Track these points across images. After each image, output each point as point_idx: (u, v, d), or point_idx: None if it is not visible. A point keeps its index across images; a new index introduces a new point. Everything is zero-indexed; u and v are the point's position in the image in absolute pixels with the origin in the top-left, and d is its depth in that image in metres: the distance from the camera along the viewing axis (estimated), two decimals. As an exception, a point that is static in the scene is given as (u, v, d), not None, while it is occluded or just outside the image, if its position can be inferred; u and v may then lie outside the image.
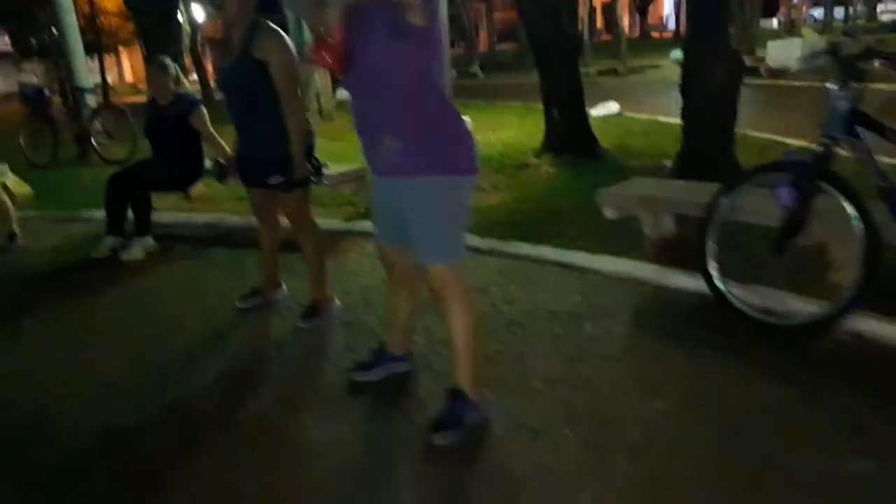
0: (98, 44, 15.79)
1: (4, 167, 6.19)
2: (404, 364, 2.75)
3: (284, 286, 3.69)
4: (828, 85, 2.55)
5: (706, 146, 4.74)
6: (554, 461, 2.13)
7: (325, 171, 3.30)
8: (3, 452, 2.48)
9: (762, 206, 2.80)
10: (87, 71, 9.16)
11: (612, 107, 9.60)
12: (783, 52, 13.60)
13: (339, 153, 6.98)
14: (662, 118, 8.52)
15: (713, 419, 2.30)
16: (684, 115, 4.98)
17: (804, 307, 2.77)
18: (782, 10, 28.35)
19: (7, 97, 14.28)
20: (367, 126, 2.23)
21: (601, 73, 17.37)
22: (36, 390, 2.93)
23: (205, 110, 4.69)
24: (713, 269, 2.89)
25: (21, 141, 8.99)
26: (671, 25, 40.07)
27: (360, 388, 2.69)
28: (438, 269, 2.25)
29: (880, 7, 31.26)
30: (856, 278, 2.48)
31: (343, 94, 13.46)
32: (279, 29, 3.05)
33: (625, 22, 43.18)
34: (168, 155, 4.79)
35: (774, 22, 30.17)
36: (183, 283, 4.23)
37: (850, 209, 2.49)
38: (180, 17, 17.35)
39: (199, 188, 5.31)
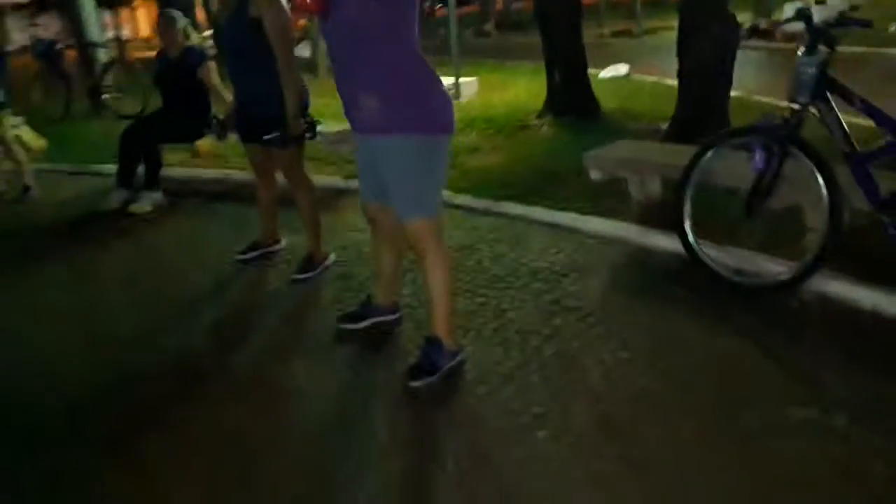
0: (112, -2, 15.74)
1: (19, 120, 6.36)
2: (391, 315, 2.90)
3: (283, 240, 3.85)
4: (798, 51, 2.62)
5: (699, 109, 4.78)
6: (519, 404, 2.29)
7: (319, 128, 3.41)
8: (14, 387, 2.69)
9: (738, 168, 2.89)
10: (98, 26, 9.24)
11: (620, 69, 9.54)
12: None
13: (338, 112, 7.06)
14: (670, 80, 8.41)
15: (672, 371, 2.44)
16: (679, 77, 5.01)
17: (774, 268, 2.88)
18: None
19: (24, 49, 14.39)
20: (344, 82, 2.34)
21: (615, 34, 17.10)
22: (46, 330, 3.14)
23: (213, 64, 4.78)
24: (688, 229, 3.00)
25: (34, 95, 9.16)
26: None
27: (347, 337, 2.85)
28: (416, 223, 2.39)
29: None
30: (820, 241, 2.59)
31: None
32: None
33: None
34: (177, 106, 4.90)
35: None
36: (188, 236, 4.41)
37: (816, 173, 2.57)
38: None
39: (206, 143, 5.45)
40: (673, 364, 2.48)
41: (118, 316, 3.25)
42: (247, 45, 3.14)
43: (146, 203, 4.84)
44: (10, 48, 11.02)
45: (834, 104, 2.57)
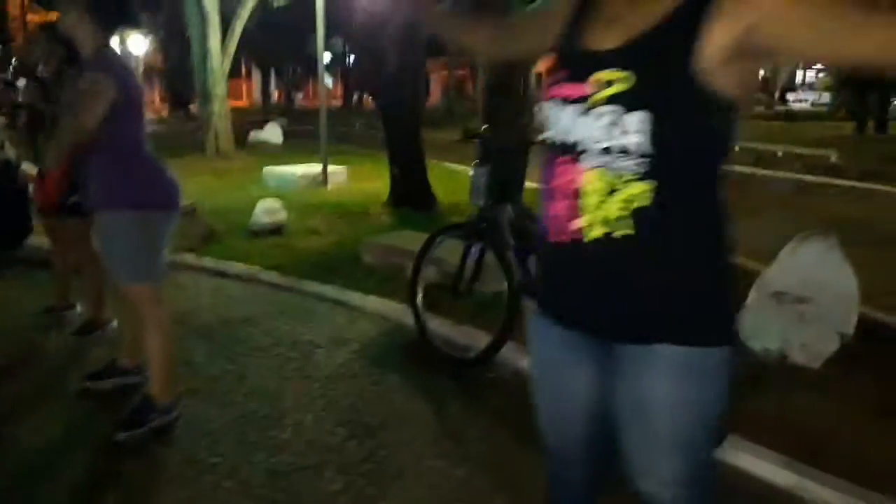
0: None
1: None
2: (135, 376, 3.13)
3: (78, 307, 4.04)
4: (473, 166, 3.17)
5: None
6: (205, 454, 2.56)
7: None
8: None
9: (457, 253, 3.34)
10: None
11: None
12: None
13: (197, 189, 7.44)
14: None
15: (359, 425, 2.76)
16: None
17: (477, 341, 3.30)
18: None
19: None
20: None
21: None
22: None
23: None
24: (419, 304, 3.40)
25: None
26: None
27: (89, 395, 3.06)
28: (131, 289, 2.68)
29: (791, 95, 33.03)
30: (502, 319, 3.02)
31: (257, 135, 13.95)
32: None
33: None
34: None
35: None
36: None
37: (498, 263, 3.04)
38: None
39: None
40: (361, 420, 2.81)
41: None
42: None
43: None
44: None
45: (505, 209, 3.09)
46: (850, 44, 1.02)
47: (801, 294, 3.40)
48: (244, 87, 47.34)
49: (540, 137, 1.32)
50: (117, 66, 2.51)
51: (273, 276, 4.73)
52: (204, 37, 11.46)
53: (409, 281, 3.48)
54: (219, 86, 11.76)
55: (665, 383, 1.20)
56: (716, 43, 1.08)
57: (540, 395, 1.45)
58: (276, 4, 14.58)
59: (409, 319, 3.84)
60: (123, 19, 2.68)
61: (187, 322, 3.95)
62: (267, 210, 6.13)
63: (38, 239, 5.43)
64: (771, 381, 3.08)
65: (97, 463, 2.58)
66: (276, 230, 6.11)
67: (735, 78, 1.11)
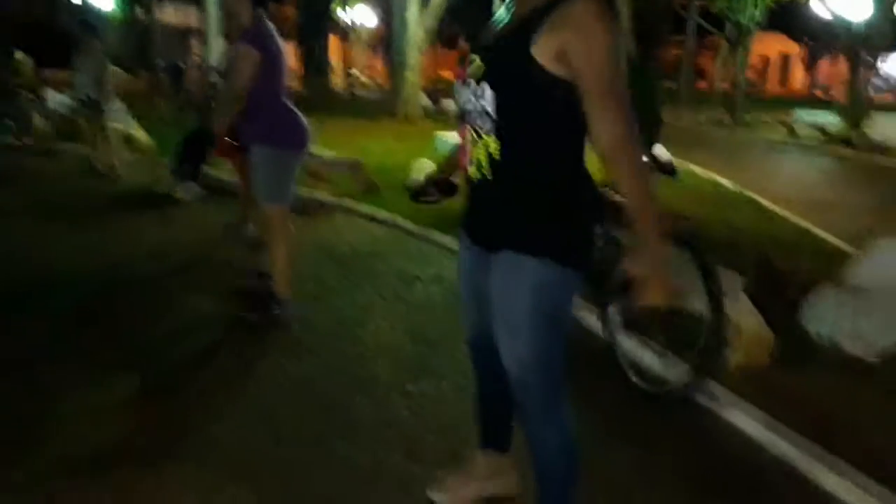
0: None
1: (130, 120, 8.24)
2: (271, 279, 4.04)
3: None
4: None
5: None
6: (304, 337, 3.37)
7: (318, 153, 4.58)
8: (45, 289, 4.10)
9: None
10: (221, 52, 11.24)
11: (658, 150, 10.20)
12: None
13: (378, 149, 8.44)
14: (699, 170, 8.93)
15: (420, 336, 3.41)
16: None
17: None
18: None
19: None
20: None
21: (714, 122, 17.61)
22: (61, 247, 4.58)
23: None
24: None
25: (159, 103, 11.33)
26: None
27: (238, 287, 4.03)
28: (265, 208, 3.54)
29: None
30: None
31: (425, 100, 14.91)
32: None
33: (796, 77, 42.14)
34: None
35: None
36: (198, 214, 5.82)
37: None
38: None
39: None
40: (421, 333, 3.45)
41: (114, 253, 4.65)
42: None
43: (186, 191, 6.34)
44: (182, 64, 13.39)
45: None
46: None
47: (868, 288, 3.44)
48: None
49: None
50: (263, 36, 3.32)
51: (408, 224, 5.51)
52: (403, 8, 12.58)
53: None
54: (412, 55, 12.84)
55: (502, 279, 1.70)
56: (543, 44, 1.52)
57: (462, 293, 1.97)
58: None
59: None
60: None
61: (328, 250, 4.86)
62: (419, 169, 6.94)
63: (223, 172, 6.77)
64: (815, 364, 3.22)
65: (231, 332, 3.49)
66: (427, 188, 6.89)
67: (574, 72, 1.54)
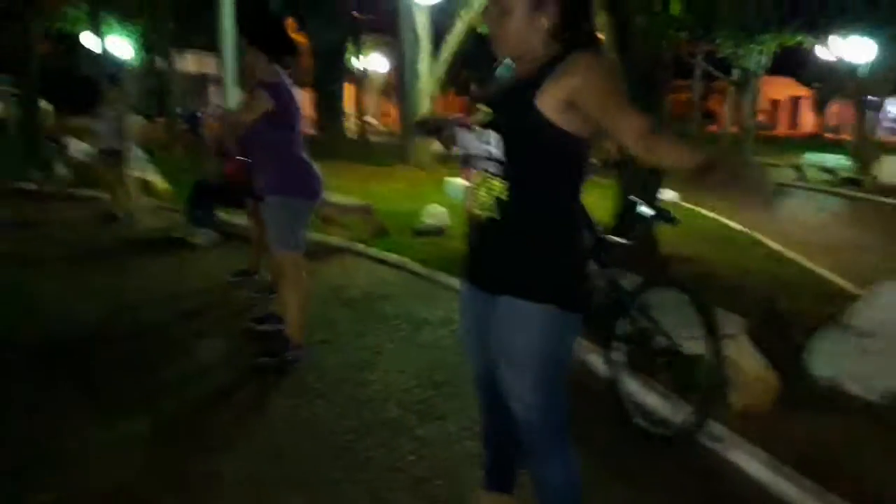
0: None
1: (148, 166, 8.48)
2: (282, 324, 4.13)
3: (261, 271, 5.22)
4: None
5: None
6: (314, 382, 3.44)
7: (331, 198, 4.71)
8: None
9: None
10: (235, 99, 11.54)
11: (668, 194, 10.34)
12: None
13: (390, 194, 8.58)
14: (706, 212, 9.02)
15: (428, 380, 3.47)
16: None
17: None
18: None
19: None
20: (252, 156, 3.69)
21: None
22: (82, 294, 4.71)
23: None
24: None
25: (175, 150, 11.62)
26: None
27: (250, 332, 4.12)
28: (280, 254, 3.65)
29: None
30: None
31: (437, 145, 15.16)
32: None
33: (806, 119, 42.42)
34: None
35: None
36: (211, 259, 5.95)
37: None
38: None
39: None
40: (429, 377, 3.51)
41: (133, 294, 4.77)
42: None
43: (201, 236, 6.49)
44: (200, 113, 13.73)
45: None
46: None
47: (870, 329, 3.48)
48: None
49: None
50: (279, 89, 3.47)
51: (417, 267, 5.61)
52: (415, 59, 12.93)
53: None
54: (424, 104, 13.14)
55: (505, 324, 1.78)
56: (548, 95, 1.66)
57: (462, 335, 2.05)
58: (482, 32, 15.76)
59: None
60: (285, 51, 3.63)
61: (338, 293, 4.96)
62: (431, 214, 7.08)
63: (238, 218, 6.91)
64: (818, 406, 3.25)
65: (242, 375, 3.57)
66: (437, 232, 7.02)
67: (576, 120, 1.67)
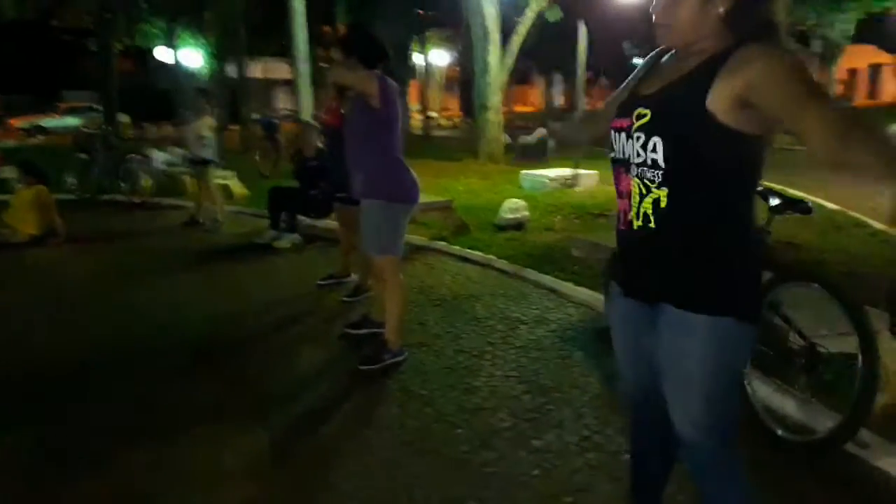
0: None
1: (229, 173, 8.63)
2: (381, 328, 4.05)
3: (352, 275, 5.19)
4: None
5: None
6: (419, 389, 3.35)
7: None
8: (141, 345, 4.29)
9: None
10: (310, 107, 11.70)
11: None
12: None
13: (464, 189, 8.46)
14: (794, 192, 8.57)
15: (536, 385, 3.33)
16: None
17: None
18: None
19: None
20: (349, 161, 3.62)
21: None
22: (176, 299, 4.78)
23: None
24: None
25: (257, 157, 11.83)
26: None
27: (347, 338, 4.08)
28: (379, 260, 3.58)
29: None
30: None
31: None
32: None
33: (887, 88, 40.07)
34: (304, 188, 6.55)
35: None
36: (298, 264, 5.97)
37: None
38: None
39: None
40: (536, 382, 3.37)
41: (219, 302, 4.81)
42: None
43: (285, 242, 6.54)
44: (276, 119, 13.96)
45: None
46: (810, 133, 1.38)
47: None
48: (529, 93, 49.88)
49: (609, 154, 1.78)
50: (387, 91, 3.37)
51: (503, 264, 5.48)
52: (485, 52, 12.76)
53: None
54: (494, 97, 12.97)
55: (674, 338, 1.62)
56: (720, 94, 1.47)
57: (616, 348, 1.91)
58: (550, 20, 15.44)
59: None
60: (380, 59, 3.55)
61: (427, 293, 4.88)
62: (511, 208, 6.93)
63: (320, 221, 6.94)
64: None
65: (345, 383, 3.52)
66: (517, 226, 6.87)
67: (752, 120, 1.48)
